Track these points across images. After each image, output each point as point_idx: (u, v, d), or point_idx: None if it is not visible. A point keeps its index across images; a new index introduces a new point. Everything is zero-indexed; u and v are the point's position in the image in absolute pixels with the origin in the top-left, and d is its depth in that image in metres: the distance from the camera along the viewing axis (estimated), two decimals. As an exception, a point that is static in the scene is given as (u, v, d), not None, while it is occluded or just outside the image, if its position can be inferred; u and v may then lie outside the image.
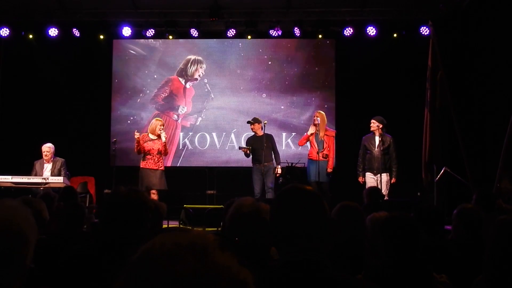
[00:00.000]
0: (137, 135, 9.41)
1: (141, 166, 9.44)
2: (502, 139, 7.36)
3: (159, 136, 9.46)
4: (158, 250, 0.91)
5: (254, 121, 9.98)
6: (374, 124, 9.36)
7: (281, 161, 9.89)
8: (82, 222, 4.64)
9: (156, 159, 9.38)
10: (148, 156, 9.36)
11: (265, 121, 9.96)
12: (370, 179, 9.34)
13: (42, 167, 9.41)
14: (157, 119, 9.73)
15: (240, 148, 10.13)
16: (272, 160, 9.86)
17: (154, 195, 8.95)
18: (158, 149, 9.39)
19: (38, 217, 4.02)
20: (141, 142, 9.34)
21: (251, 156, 9.93)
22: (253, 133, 10.05)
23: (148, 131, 9.57)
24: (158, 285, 0.86)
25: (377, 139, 9.37)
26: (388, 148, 9.35)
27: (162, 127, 9.52)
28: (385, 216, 2.99)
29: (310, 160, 9.69)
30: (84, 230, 4.98)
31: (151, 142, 9.42)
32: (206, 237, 0.95)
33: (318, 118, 9.65)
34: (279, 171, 9.79)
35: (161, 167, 9.43)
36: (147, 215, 2.68)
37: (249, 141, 10.02)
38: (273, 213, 1.79)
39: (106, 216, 2.62)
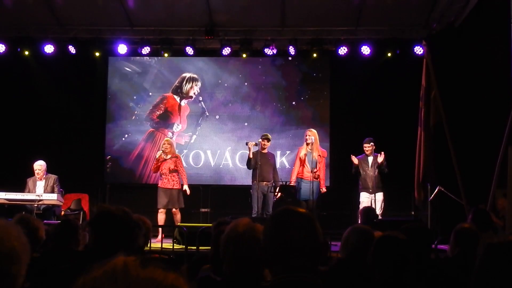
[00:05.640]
0: (158, 153, 9.68)
1: (158, 185, 9.69)
2: (495, 157, 7.39)
3: (172, 156, 9.67)
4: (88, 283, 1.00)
5: (267, 137, 9.88)
6: (370, 148, 9.44)
7: (275, 180, 9.82)
8: (75, 239, 4.61)
9: (170, 178, 9.56)
10: (163, 176, 9.60)
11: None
12: (365, 199, 9.36)
13: (35, 185, 9.36)
14: (166, 139, 10.06)
15: (247, 143, 9.72)
16: (272, 180, 9.75)
17: (176, 215, 9.59)
18: (169, 168, 9.58)
19: (34, 235, 3.99)
20: (159, 162, 9.64)
21: (251, 171, 9.76)
22: (252, 150, 9.67)
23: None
24: None
25: (370, 159, 9.48)
26: (380, 166, 9.38)
27: (166, 148, 9.66)
28: (378, 236, 3.03)
29: (301, 179, 9.47)
30: (78, 249, 4.94)
31: (164, 162, 9.64)
32: (126, 259, 1.02)
33: (313, 137, 9.42)
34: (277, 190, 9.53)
35: (175, 185, 9.58)
36: (138, 234, 2.69)
37: (255, 156, 9.61)
38: (266, 234, 1.79)
39: (99, 236, 2.62)
